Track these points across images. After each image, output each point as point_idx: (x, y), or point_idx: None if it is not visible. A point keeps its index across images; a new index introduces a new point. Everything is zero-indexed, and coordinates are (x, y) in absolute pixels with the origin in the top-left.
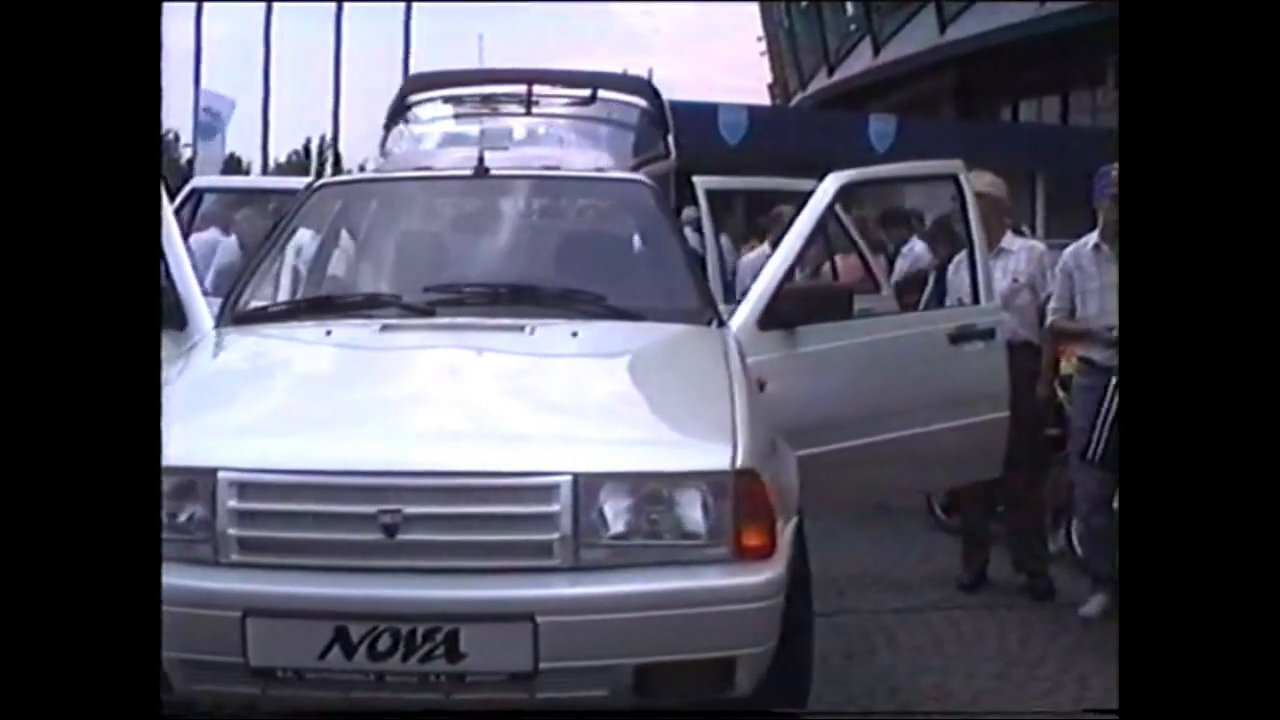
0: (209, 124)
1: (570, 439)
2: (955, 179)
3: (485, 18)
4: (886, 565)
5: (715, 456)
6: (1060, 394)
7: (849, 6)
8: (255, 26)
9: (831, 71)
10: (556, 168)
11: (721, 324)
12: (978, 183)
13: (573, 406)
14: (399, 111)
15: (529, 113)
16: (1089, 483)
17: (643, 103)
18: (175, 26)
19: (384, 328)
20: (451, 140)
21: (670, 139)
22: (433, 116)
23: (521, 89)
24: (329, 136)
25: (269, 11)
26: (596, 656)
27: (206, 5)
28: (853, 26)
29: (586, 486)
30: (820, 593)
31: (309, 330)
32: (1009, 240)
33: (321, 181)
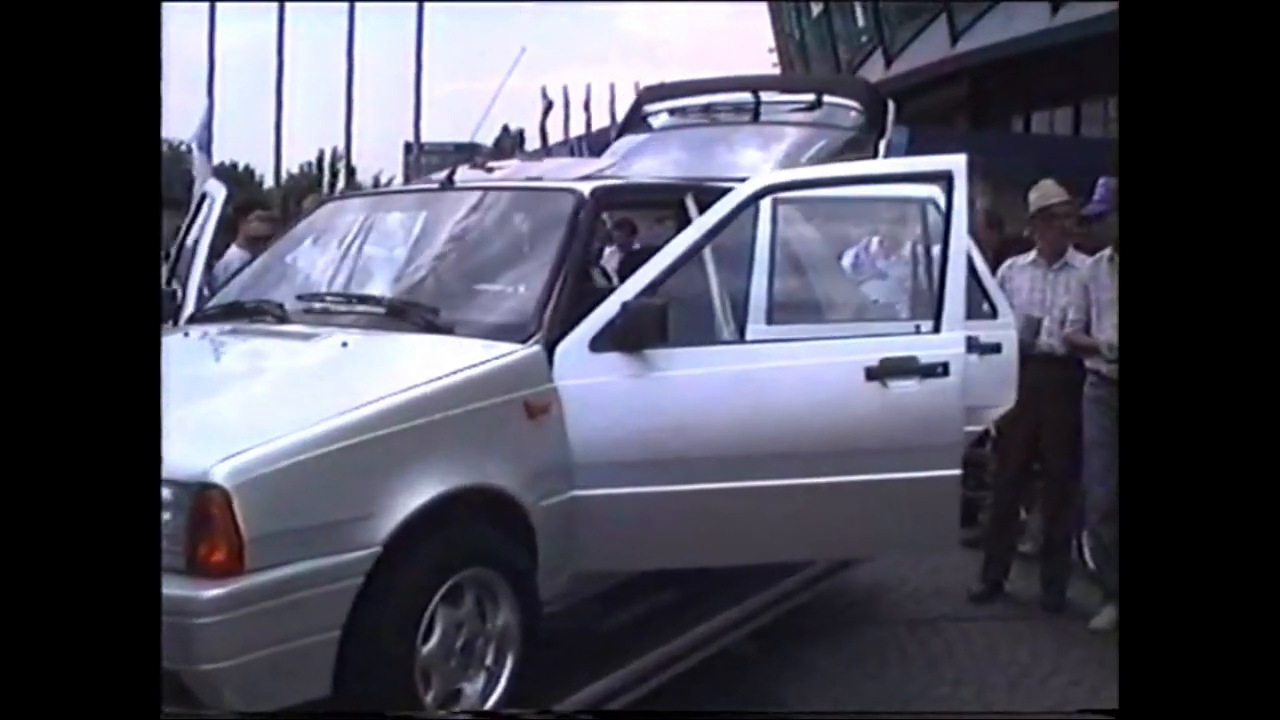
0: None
1: None
2: (949, 179)
3: (496, 31)
4: (898, 577)
5: (189, 468)
6: None
7: (860, 18)
8: (268, 38)
9: None
10: (539, 178)
11: (544, 344)
12: (1041, 195)
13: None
14: (633, 122)
15: (756, 120)
16: (1099, 495)
17: (861, 106)
18: (189, 38)
19: (229, 331)
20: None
21: (884, 143)
22: (662, 126)
23: (748, 97)
24: (340, 149)
25: (281, 24)
26: None
27: (220, 17)
28: (864, 38)
29: None
30: (832, 604)
31: (181, 331)
32: (1071, 254)
33: (326, 197)
